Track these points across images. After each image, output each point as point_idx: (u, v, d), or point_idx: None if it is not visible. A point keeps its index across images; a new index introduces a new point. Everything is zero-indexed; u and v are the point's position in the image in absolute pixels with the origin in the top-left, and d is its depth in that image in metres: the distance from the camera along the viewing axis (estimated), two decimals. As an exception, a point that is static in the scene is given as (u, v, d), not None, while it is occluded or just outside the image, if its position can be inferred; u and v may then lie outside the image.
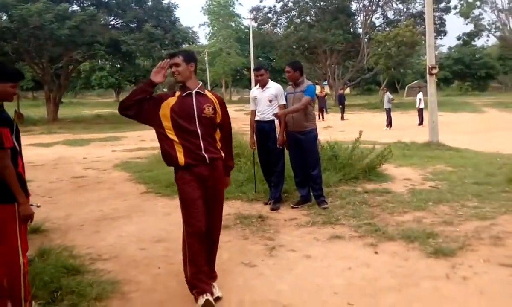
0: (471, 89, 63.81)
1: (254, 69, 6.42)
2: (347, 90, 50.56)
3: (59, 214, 6.10)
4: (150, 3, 27.76)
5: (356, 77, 47.69)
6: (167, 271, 4.09)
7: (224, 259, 4.19)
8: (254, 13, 43.98)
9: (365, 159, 7.75)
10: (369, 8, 42.63)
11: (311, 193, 6.21)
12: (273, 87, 6.12)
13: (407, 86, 64.05)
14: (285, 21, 44.83)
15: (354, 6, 43.61)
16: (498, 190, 6.70)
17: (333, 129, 18.18)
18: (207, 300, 3.21)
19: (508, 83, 72.09)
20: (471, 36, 50.85)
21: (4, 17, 23.43)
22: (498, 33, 45.79)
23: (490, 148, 11.44)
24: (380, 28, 43.43)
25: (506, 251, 4.32)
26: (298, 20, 43.92)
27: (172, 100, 3.35)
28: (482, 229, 4.96)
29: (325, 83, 45.22)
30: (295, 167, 6.21)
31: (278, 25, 45.61)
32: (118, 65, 40.10)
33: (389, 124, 20.09)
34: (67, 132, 20.01)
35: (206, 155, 3.35)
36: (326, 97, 30.22)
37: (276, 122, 6.03)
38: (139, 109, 3.29)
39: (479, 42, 59.89)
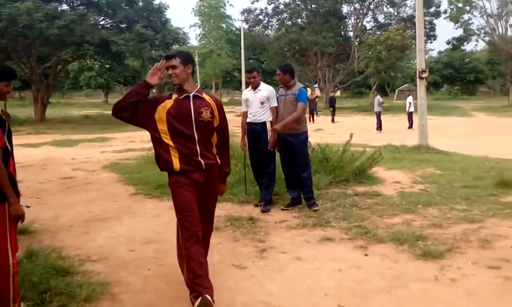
0: (460, 93, 64.44)
1: (246, 71, 6.43)
2: (338, 93, 50.78)
3: (48, 215, 6.06)
4: (140, 4, 27.70)
5: (346, 80, 47.95)
6: (157, 272, 4.07)
7: (215, 261, 4.19)
8: (245, 14, 44.11)
9: (356, 161, 7.79)
10: (360, 11, 42.93)
11: (302, 196, 6.22)
12: (265, 89, 6.13)
13: (397, 90, 64.50)
14: (276, 23, 45.00)
15: (345, 9, 43.99)
16: (486, 193, 6.77)
17: (323, 132, 18.23)
18: (203, 298, 3.06)
19: (497, 87, 72.79)
20: (460, 40, 51.37)
21: (-7, 16, 23.24)
22: (487, 38, 46.26)
23: (478, 152, 11.55)
24: (371, 31, 43.76)
25: (494, 254, 4.37)
26: (290, 22, 44.12)
27: (168, 103, 3.25)
28: (470, 232, 5.01)
29: (316, 85, 45.40)
30: (286, 169, 6.23)
31: (269, 27, 45.84)
32: (107, 66, 39.91)
33: (379, 127, 20.20)
34: (55, 133, 19.87)
35: (202, 161, 3.25)
36: (316, 99, 30.34)
37: (268, 124, 6.04)
38: (133, 112, 3.18)
39: (468, 47, 60.47)
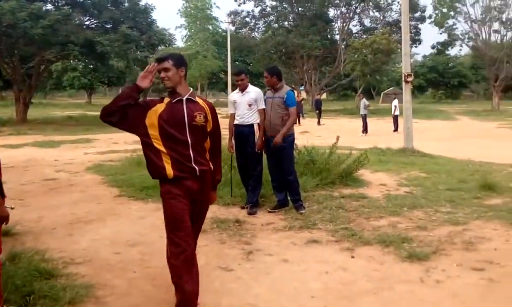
0: (444, 97, 65.21)
1: (235, 73, 6.41)
2: (324, 96, 51.06)
3: (31, 217, 5.96)
4: (126, 4, 27.44)
5: (332, 83, 48.22)
6: (143, 274, 4.03)
7: (201, 263, 4.13)
8: (232, 17, 44.02)
9: (342, 164, 7.83)
10: (347, 15, 43.21)
11: (288, 198, 6.23)
12: (253, 91, 6.12)
13: (382, 93, 65.11)
14: (263, 25, 45.03)
15: (331, 13, 44.22)
16: (470, 196, 6.86)
17: (310, 134, 18.30)
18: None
19: (480, 91, 73.83)
20: (445, 45, 51.97)
21: (-25, 15, 22.86)
22: (471, 43, 46.81)
23: (462, 155, 11.70)
24: (357, 35, 44.06)
25: (478, 256, 4.42)
26: (276, 25, 44.20)
27: (160, 107, 3.09)
28: (455, 234, 5.06)
29: (302, 88, 45.55)
30: (273, 172, 6.23)
31: (256, 30, 45.80)
32: (91, 66, 39.48)
33: (365, 130, 20.32)
34: (37, 134, 19.52)
35: (196, 167, 3.10)
36: (302, 102, 30.42)
37: (255, 127, 6.04)
38: (123, 116, 3.02)
39: (452, 51, 61.45)
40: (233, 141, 6.23)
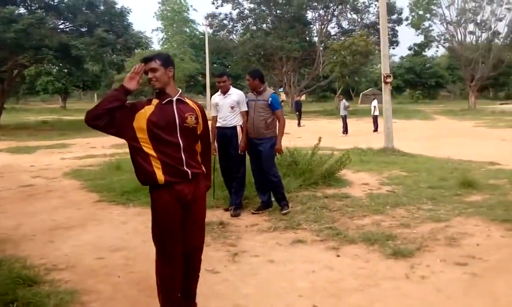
0: (422, 97, 66.18)
1: (217, 75, 6.39)
2: (303, 97, 51.24)
3: (9, 224, 5.85)
4: (102, 8, 27.14)
5: (311, 84, 48.46)
6: (128, 279, 3.98)
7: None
8: (210, 19, 43.88)
9: (324, 164, 7.86)
10: (325, 17, 43.53)
11: (272, 199, 6.23)
12: (235, 93, 6.11)
13: (361, 94, 65.72)
14: (241, 28, 45.05)
15: (310, 15, 44.48)
16: (450, 193, 6.96)
17: (290, 136, 18.24)
18: None
19: (457, 91, 75.20)
20: (421, 46, 52.81)
21: None
22: (447, 44, 47.63)
23: (441, 154, 11.86)
24: (335, 37, 44.40)
25: (461, 251, 4.48)
26: (255, 27, 44.27)
27: (148, 109, 2.93)
28: (437, 230, 5.13)
29: (281, 90, 45.68)
30: (256, 173, 6.23)
31: (234, 32, 45.75)
32: (66, 70, 38.86)
33: (345, 130, 20.46)
34: (11, 139, 19.07)
35: (188, 170, 2.94)
36: (282, 103, 30.44)
37: (238, 129, 6.03)
38: (110, 120, 2.84)
39: (429, 53, 62.20)
40: (215, 144, 6.21)
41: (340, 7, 42.59)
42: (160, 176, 2.88)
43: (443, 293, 3.59)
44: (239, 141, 6.02)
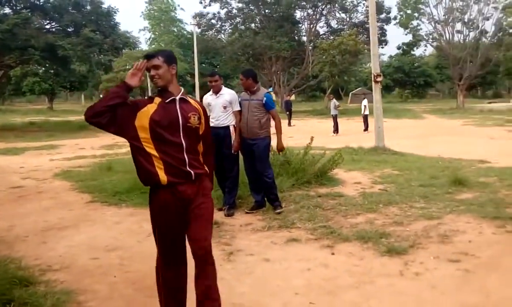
0: (410, 96, 66.66)
1: (208, 75, 6.40)
2: (292, 97, 51.33)
3: (2, 226, 5.83)
4: (88, 7, 26.95)
5: (301, 84, 48.49)
6: (124, 279, 3.98)
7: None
8: (198, 19, 43.66)
9: (317, 164, 7.89)
10: (313, 16, 43.59)
11: (265, 198, 6.25)
12: (227, 93, 6.12)
13: (350, 93, 66.09)
14: (230, 27, 44.86)
15: (298, 14, 44.43)
16: (442, 191, 7.04)
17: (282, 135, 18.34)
18: None
19: (445, 90, 75.90)
20: (410, 45, 53.03)
21: None
22: (435, 43, 47.99)
23: (432, 152, 11.95)
24: (324, 36, 44.48)
25: (453, 248, 4.55)
26: (243, 27, 44.13)
27: (151, 108, 2.84)
28: (430, 228, 5.19)
29: (271, 89, 45.64)
30: (250, 173, 6.25)
31: (223, 32, 45.58)
32: (52, 71, 38.50)
33: (336, 130, 20.52)
34: (-2, 141, 18.97)
35: (191, 171, 2.86)
36: (273, 103, 30.47)
37: (231, 128, 6.04)
38: (112, 117, 2.74)
39: (417, 52, 62.53)
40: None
41: (328, 6, 42.65)
42: (162, 176, 2.80)
43: (437, 289, 3.65)
44: (232, 141, 6.03)
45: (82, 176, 9.34)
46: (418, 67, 65.66)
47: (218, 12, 43.52)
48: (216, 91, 6.12)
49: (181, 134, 2.85)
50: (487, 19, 42.32)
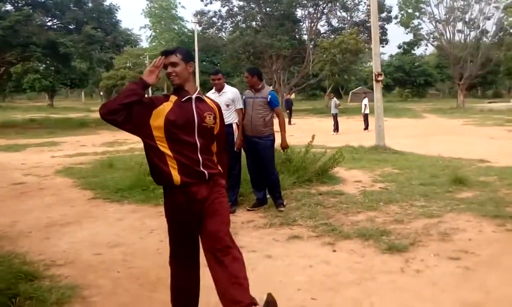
0: (411, 96, 66.75)
1: (212, 73, 6.41)
2: (292, 95, 51.33)
3: (5, 221, 5.86)
4: (90, 5, 26.94)
5: (301, 82, 48.50)
6: (128, 274, 4.02)
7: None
8: (199, 17, 43.64)
9: (318, 162, 7.94)
10: (314, 15, 43.56)
11: (267, 196, 6.29)
12: (230, 91, 6.15)
13: (351, 92, 66.13)
14: (231, 25, 44.81)
15: (299, 13, 44.41)
16: (442, 190, 7.08)
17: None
18: None
19: (445, 90, 75.96)
20: (410, 45, 53.03)
21: None
22: (435, 43, 48.02)
23: (432, 151, 12.00)
24: (325, 35, 44.47)
25: (454, 246, 4.59)
26: (244, 25, 44.09)
27: (167, 106, 2.79)
28: (430, 226, 5.23)
29: (271, 88, 45.58)
30: (252, 171, 6.28)
31: (223, 30, 45.52)
32: (53, 68, 38.49)
33: (336, 128, 20.54)
34: (-1, 137, 19.02)
35: (205, 171, 2.82)
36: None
37: (234, 126, 6.07)
38: (128, 115, 2.69)
39: (418, 51, 62.70)
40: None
41: (329, 5, 42.61)
42: (176, 176, 2.76)
43: (438, 286, 3.69)
44: (234, 139, 6.07)
45: (84, 173, 9.38)
46: (419, 66, 65.73)
47: (219, 10, 43.54)
48: (219, 89, 6.15)
49: (196, 134, 2.81)
50: (488, 18, 42.42)
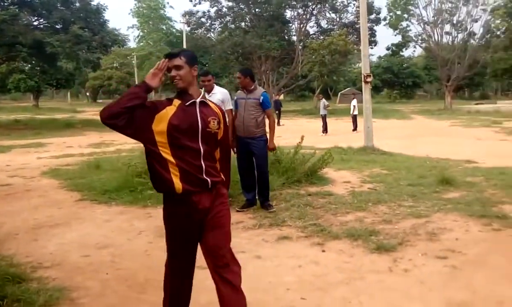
0: (399, 97, 67.13)
1: (201, 74, 6.38)
2: (281, 96, 51.40)
3: (-9, 223, 5.79)
4: (77, 4, 26.72)
5: (290, 83, 48.55)
6: (116, 276, 4.00)
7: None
8: (187, 17, 43.50)
9: (307, 163, 7.95)
10: (304, 16, 43.63)
11: (257, 197, 6.30)
12: (219, 92, 6.14)
13: (339, 93, 66.30)
14: (219, 26, 44.71)
15: (288, 14, 44.45)
16: (430, 190, 7.15)
17: (271, 135, 18.37)
18: None
19: (433, 91, 76.53)
20: (399, 46, 53.37)
21: None
22: (424, 44, 48.35)
23: (420, 152, 12.10)
24: (314, 36, 44.59)
25: (441, 245, 4.64)
26: (233, 25, 44.00)
27: (170, 110, 2.68)
28: (418, 226, 5.29)
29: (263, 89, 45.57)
30: (243, 172, 6.28)
31: (212, 30, 45.40)
32: (39, 68, 38.08)
33: (325, 129, 20.60)
34: (-18, 138, 18.76)
35: (208, 179, 2.70)
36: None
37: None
38: (130, 119, 2.58)
39: (406, 53, 62.98)
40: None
41: (319, 6, 42.74)
42: (177, 184, 2.65)
43: (425, 285, 3.73)
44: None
45: (71, 174, 9.29)
46: (407, 68, 66.13)
47: (208, 11, 43.36)
48: (209, 91, 6.12)
49: (200, 139, 2.70)
50: (476, 21, 42.78)
